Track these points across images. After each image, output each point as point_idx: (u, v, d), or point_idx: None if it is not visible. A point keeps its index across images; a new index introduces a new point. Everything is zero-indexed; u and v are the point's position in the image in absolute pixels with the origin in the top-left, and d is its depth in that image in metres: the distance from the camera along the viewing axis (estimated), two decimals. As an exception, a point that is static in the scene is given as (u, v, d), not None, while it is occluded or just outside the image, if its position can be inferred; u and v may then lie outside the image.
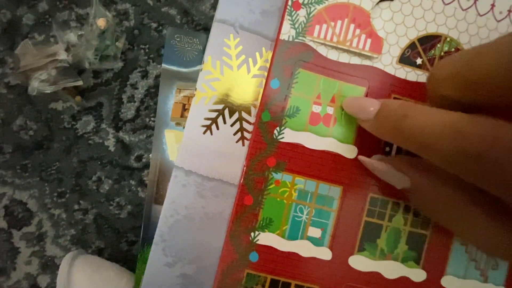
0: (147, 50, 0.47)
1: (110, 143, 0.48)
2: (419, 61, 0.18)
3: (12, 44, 0.47)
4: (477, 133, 0.09)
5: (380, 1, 0.18)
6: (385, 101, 0.14)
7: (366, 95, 0.16)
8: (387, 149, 0.15)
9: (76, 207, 0.48)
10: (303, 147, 0.15)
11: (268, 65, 0.20)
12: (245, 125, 0.20)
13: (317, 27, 0.16)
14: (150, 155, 0.41)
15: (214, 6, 0.47)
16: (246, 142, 0.20)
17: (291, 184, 0.15)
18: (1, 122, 0.48)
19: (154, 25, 0.47)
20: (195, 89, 0.20)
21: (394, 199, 0.15)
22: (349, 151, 0.15)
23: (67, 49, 0.40)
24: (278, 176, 0.15)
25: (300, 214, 0.15)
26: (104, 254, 0.47)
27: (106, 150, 0.48)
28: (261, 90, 0.20)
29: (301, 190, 0.15)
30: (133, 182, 0.47)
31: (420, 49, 0.18)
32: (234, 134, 0.20)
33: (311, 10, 0.16)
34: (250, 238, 0.15)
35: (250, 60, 0.20)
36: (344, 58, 0.16)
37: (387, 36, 0.18)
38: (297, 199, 0.15)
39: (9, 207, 0.48)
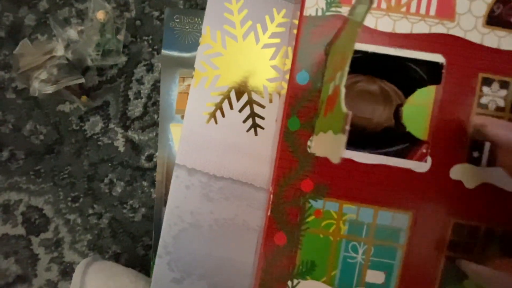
0: (150, 42, 0.44)
1: (119, 143, 0.46)
2: None
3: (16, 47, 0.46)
4: None
5: None
6: None
7: (442, 76, 0.11)
8: (475, 154, 0.11)
9: (90, 211, 0.46)
10: (352, 161, 0.11)
11: (282, 30, 0.16)
12: (256, 109, 0.17)
13: None
14: (157, 153, 0.39)
15: (218, -13, 0.43)
16: (260, 131, 0.16)
17: (337, 214, 0.11)
18: (12, 128, 0.47)
19: (156, 13, 0.44)
20: (194, 69, 0.16)
21: (487, 223, 0.11)
22: (418, 164, 0.11)
23: (66, 46, 0.38)
24: (318, 204, 0.11)
25: (353, 254, 0.11)
26: (121, 260, 0.46)
27: (116, 150, 0.46)
28: (273, 62, 0.16)
29: (353, 221, 0.11)
30: (145, 183, 0.45)
31: None
32: (244, 121, 0.17)
33: None
34: None
35: (259, 26, 0.16)
36: (403, 27, 0.12)
37: None
38: (347, 233, 0.11)
39: (26, 213, 0.47)
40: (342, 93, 0.09)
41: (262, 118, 0.16)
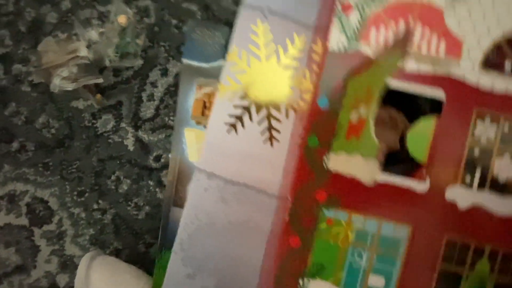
0: (167, 48, 0.46)
1: (129, 142, 0.47)
2: (508, 66, 0.14)
3: (36, 43, 0.48)
4: None
5: None
6: None
7: (442, 109, 0.13)
8: (468, 178, 0.13)
9: (95, 206, 0.47)
10: None
11: (301, 53, 0.18)
12: (274, 123, 0.18)
13: (374, 30, 0.14)
14: (169, 155, 0.40)
15: (235, 1, 0.46)
16: (275, 143, 0.18)
17: (346, 223, 0.13)
18: (25, 120, 0.49)
19: (174, 21, 0.46)
20: (219, 82, 0.18)
21: (477, 242, 0.13)
22: (418, 183, 0.13)
23: (88, 46, 0.39)
24: (330, 213, 0.13)
25: (358, 260, 0.13)
26: (121, 256, 0.46)
27: (125, 149, 0.47)
28: (291, 82, 0.17)
29: (360, 230, 0.13)
30: (151, 183, 0.46)
31: (509, 51, 0.15)
32: (262, 133, 0.18)
33: (365, 11, 0.13)
34: (299, 286, 0.13)
35: (280, 48, 0.18)
36: (411, 66, 0.14)
37: (464, 37, 0.15)
38: (354, 241, 0.13)
39: (31, 204, 0.48)
40: (371, 125, 0.10)
41: (278, 131, 0.17)
